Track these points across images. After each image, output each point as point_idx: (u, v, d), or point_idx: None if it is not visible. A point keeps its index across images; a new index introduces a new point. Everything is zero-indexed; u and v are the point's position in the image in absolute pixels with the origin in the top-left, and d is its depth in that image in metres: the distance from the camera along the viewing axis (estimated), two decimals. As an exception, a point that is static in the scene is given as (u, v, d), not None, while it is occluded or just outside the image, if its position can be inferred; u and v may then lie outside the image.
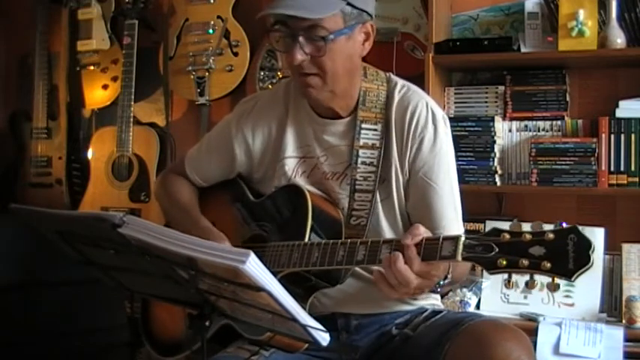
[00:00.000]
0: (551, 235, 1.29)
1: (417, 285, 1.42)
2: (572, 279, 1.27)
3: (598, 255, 2.51)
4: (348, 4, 1.63)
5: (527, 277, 1.34)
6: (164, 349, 1.89)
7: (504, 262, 1.32)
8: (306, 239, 1.63)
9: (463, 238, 1.36)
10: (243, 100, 1.93)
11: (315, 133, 1.78)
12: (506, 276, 1.37)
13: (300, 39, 1.62)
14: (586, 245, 1.26)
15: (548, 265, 1.28)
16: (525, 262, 1.30)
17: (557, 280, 1.30)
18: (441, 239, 1.40)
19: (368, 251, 1.50)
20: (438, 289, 1.56)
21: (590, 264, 1.26)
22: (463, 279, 1.93)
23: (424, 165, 1.70)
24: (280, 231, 1.71)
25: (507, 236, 1.33)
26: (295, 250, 1.61)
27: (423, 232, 1.43)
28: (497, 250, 1.32)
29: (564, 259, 1.27)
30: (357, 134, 1.72)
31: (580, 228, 1.28)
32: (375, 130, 1.73)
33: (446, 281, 1.52)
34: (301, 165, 1.79)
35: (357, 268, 1.68)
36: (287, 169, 1.78)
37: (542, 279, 1.32)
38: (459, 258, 1.35)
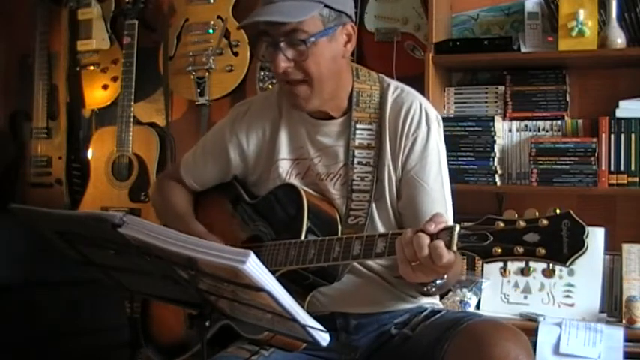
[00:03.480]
0: (545, 222, 1.29)
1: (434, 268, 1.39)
2: (567, 264, 1.27)
3: (598, 254, 2.51)
4: (326, 6, 1.63)
5: (522, 265, 1.35)
6: (164, 350, 1.89)
7: (499, 250, 1.32)
8: (302, 237, 1.63)
9: (458, 228, 1.37)
10: (237, 104, 1.94)
11: (308, 135, 1.78)
12: (501, 264, 1.38)
13: (282, 45, 1.62)
14: (580, 230, 1.27)
15: (543, 251, 1.28)
16: (520, 249, 1.30)
17: (552, 266, 1.30)
18: None
19: (364, 246, 1.51)
20: (432, 288, 1.56)
21: (584, 248, 1.26)
22: (453, 282, 1.92)
23: (416, 165, 1.70)
24: (277, 230, 1.71)
25: (501, 224, 1.33)
26: (292, 247, 1.62)
27: (445, 220, 1.42)
28: (491, 238, 1.33)
29: (559, 245, 1.27)
30: (353, 134, 1.72)
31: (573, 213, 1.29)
32: (370, 130, 1.73)
33: (442, 280, 1.52)
34: (295, 167, 1.79)
35: (355, 265, 1.69)
36: (281, 171, 1.78)
37: (537, 265, 1.33)
38: (455, 247, 1.36)
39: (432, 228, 1.39)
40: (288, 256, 1.61)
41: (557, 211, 1.30)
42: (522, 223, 1.31)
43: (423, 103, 1.74)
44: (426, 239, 1.38)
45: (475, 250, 1.35)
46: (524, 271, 2.34)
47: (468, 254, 1.52)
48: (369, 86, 1.77)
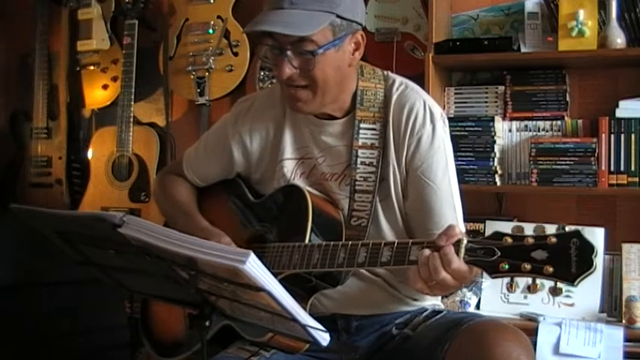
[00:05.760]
0: (553, 239, 1.28)
1: (452, 285, 1.39)
2: (575, 283, 1.26)
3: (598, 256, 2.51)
4: (338, 16, 1.60)
5: (529, 280, 1.34)
6: (164, 350, 1.89)
7: (506, 267, 1.31)
8: (307, 240, 1.62)
9: (465, 242, 1.36)
10: (240, 100, 1.92)
11: (312, 134, 1.77)
12: (508, 279, 1.36)
13: (289, 53, 1.60)
14: (589, 249, 1.26)
15: (551, 269, 1.27)
16: (527, 266, 1.29)
17: (559, 285, 1.30)
18: None
19: (369, 254, 1.49)
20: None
21: (593, 268, 1.25)
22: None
23: (422, 164, 1.68)
24: (280, 231, 1.71)
25: (509, 240, 1.32)
26: (296, 251, 1.61)
27: (458, 232, 1.39)
28: (499, 254, 1.32)
29: (567, 264, 1.26)
30: (356, 134, 1.71)
31: (582, 231, 1.27)
32: (374, 129, 1.72)
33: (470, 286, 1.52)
34: (300, 166, 1.78)
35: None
36: (286, 170, 1.77)
37: (544, 282, 1.32)
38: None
39: (444, 242, 1.37)
40: (292, 259, 1.60)
41: (566, 229, 1.28)
42: (531, 240, 1.30)
43: (427, 101, 1.73)
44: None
45: (482, 265, 1.34)
46: (531, 288, 2.33)
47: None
48: (373, 84, 1.75)
